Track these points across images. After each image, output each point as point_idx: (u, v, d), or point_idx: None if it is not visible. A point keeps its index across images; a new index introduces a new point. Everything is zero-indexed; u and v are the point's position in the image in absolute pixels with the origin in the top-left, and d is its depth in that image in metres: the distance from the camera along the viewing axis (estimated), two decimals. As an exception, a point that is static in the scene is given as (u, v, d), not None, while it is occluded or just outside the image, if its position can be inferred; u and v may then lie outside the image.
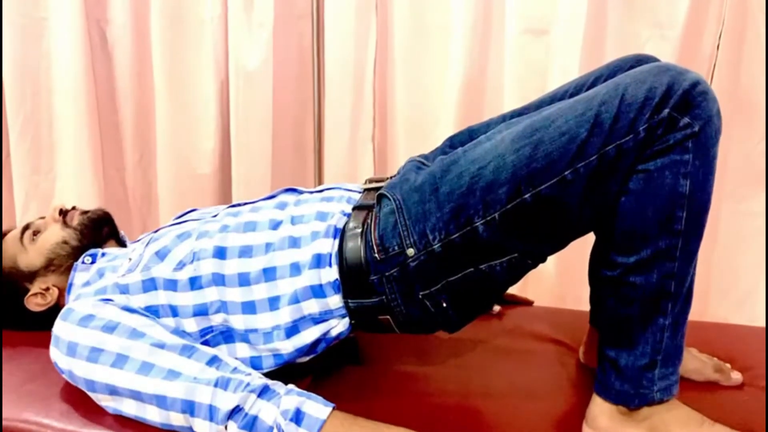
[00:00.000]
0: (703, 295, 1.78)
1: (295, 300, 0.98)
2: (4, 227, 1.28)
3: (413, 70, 1.82)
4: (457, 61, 1.75)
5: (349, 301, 0.98)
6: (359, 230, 0.98)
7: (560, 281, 1.79)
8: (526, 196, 0.86)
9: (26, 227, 1.22)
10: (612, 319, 0.92)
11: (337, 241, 0.99)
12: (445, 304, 0.96)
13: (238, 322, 0.99)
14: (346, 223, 1.00)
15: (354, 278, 0.97)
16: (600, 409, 0.93)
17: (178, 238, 1.06)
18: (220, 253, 1.01)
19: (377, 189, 1.05)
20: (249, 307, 0.99)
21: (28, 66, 1.98)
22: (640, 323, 0.88)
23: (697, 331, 1.22)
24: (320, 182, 2.00)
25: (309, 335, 0.99)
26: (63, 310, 1.02)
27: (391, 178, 1.10)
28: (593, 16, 1.62)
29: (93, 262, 1.16)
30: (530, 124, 0.89)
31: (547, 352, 1.21)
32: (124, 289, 1.03)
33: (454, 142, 1.17)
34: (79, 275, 1.15)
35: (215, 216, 1.13)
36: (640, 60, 1.06)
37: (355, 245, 0.97)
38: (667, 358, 0.89)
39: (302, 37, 1.92)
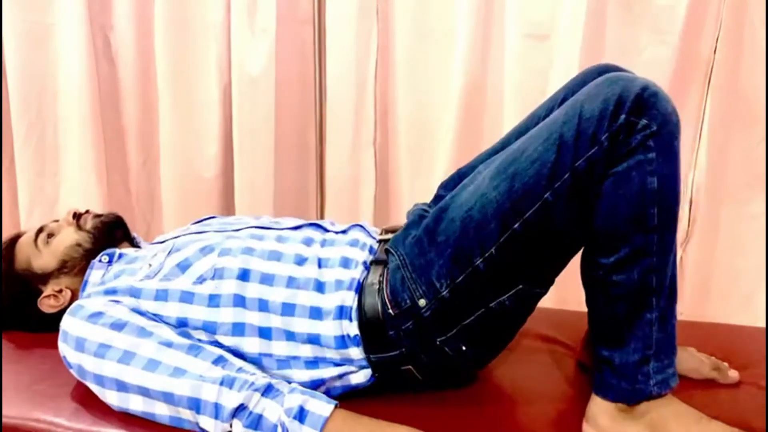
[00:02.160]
0: (704, 297, 1.79)
1: (318, 343, 1.00)
2: (12, 232, 1.30)
3: (414, 74, 1.84)
4: (458, 66, 1.77)
5: (371, 356, 1.00)
6: (376, 287, 1.00)
7: (561, 283, 1.79)
8: (515, 226, 0.90)
9: (40, 230, 1.24)
10: (602, 319, 0.95)
11: (357, 296, 1.01)
12: (464, 348, 0.99)
13: (253, 345, 1.01)
14: (366, 277, 1.03)
15: (373, 333, 0.99)
16: (599, 408, 0.94)
17: (201, 252, 1.07)
18: (244, 275, 1.02)
19: (388, 241, 1.09)
20: (265, 333, 1.01)
21: (34, 71, 2.00)
22: (628, 320, 0.91)
23: (696, 331, 1.24)
24: (323, 185, 2.01)
25: (327, 372, 1.01)
26: (73, 306, 1.04)
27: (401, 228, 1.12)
28: (593, 22, 1.64)
29: (110, 262, 1.18)
30: (504, 159, 0.94)
31: (549, 352, 1.22)
32: (136, 293, 1.04)
33: (447, 187, 1.21)
34: (95, 273, 1.17)
35: (238, 231, 1.15)
36: (601, 71, 1.08)
37: (372, 301, 1.00)
38: (659, 351, 0.91)
39: (304, 42, 1.94)
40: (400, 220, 1.93)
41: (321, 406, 0.89)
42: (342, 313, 1.00)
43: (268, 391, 0.91)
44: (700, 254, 1.77)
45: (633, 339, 0.91)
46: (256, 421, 0.88)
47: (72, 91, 1.99)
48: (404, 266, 0.99)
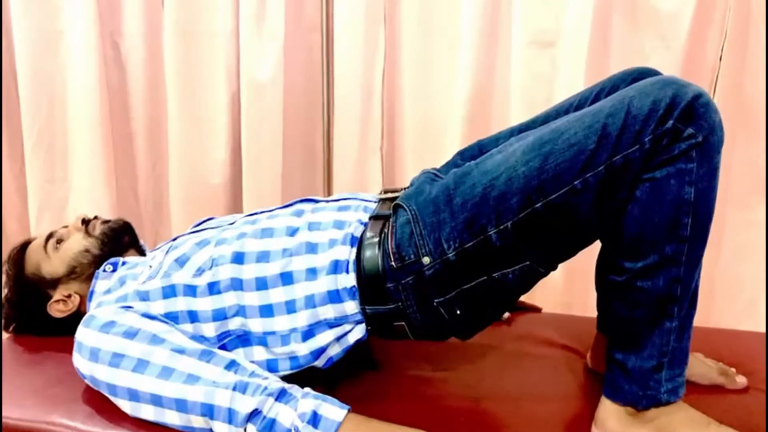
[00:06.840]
0: (708, 303, 1.79)
1: (312, 304, 1.00)
2: (22, 237, 1.31)
3: (421, 81, 1.85)
4: (465, 73, 1.78)
5: (366, 307, 1.00)
6: (376, 239, 1.00)
7: (566, 289, 1.81)
8: (538, 205, 0.89)
9: (50, 236, 1.25)
10: (620, 322, 0.95)
11: (354, 249, 1.01)
12: (459, 311, 0.99)
13: (256, 325, 1.02)
14: (364, 232, 1.03)
15: (371, 285, 0.99)
16: (609, 411, 0.95)
17: (197, 246, 1.09)
18: (238, 258, 1.03)
19: (393, 199, 1.08)
20: (266, 311, 1.02)
21: (44, 77, 2.03)
22: (647, 326, 0.91)
23: (703, 337, 1.24)
24: (330, 191, 2.03)
25: (324, 338, 1.02)
26: (85, 317, 1.04)
27: (405, 188, 1.13)
28: (598, 29, 1.65)
29: (114, 270, 1.19)
30: (540, 137, 0.92)
31: (556, 357, 1.23)
32: (144, 296, 1.06)
33: (464, 156, 1.20)
34: (101, 283, 1.18)
35: (233, 224, 1.16)
36: (642, 73, 1.08)
37: (372, 254, 0.99)
38: (673, 360, 0.91)
39: (312, 49, 1.96)
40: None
41: (334, 411, 0.90)
42: (337, 267, 1.00)
43: (281, 395, 0.91)
44: (705, 260, 1.77)
45: (650, 345, 0.91)
46: (270, 426, 0.89)
47: (82, 97, 2.00)
48: (415, 221, 0.98)
